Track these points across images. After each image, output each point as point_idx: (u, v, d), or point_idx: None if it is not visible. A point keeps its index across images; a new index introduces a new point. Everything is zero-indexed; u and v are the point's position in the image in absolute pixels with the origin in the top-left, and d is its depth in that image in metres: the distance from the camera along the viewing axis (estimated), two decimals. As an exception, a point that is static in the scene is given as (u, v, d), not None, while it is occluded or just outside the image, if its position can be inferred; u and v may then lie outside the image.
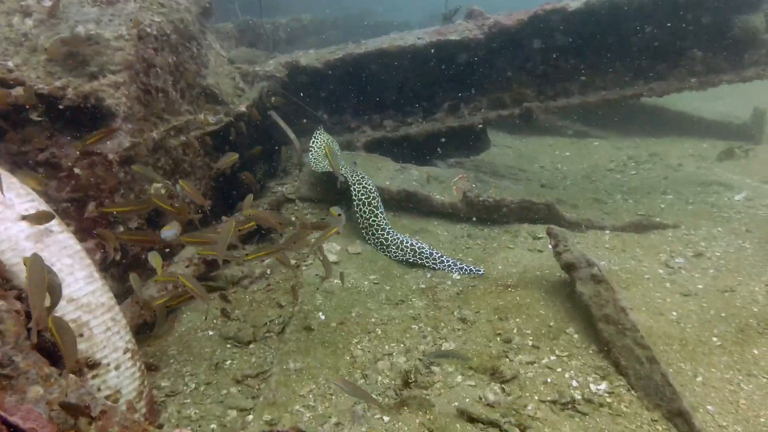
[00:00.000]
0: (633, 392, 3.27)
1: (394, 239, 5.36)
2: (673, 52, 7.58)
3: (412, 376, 3.46)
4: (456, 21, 7.73)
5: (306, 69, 7.56)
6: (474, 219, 6.17)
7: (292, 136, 7.03)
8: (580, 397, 3.26)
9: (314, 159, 6.15)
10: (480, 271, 4.94)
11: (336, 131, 7.90)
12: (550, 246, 4.55)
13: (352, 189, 5.62)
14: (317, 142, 6.41)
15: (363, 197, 5.57)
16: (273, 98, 6.39)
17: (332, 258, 5.11)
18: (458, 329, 4.12)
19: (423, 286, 4.80)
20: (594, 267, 4.03)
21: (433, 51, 7.35)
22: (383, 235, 5.41)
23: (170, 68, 5.23)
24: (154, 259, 3.59)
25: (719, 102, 11.93)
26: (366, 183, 5.68)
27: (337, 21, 15.31)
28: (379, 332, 4.12)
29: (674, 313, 4.02)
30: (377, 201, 5.61)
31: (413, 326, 4.19)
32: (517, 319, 4.15)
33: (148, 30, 4.93)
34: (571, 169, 8.75)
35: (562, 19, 7.13)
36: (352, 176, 5.74)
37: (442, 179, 6.60)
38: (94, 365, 2.83)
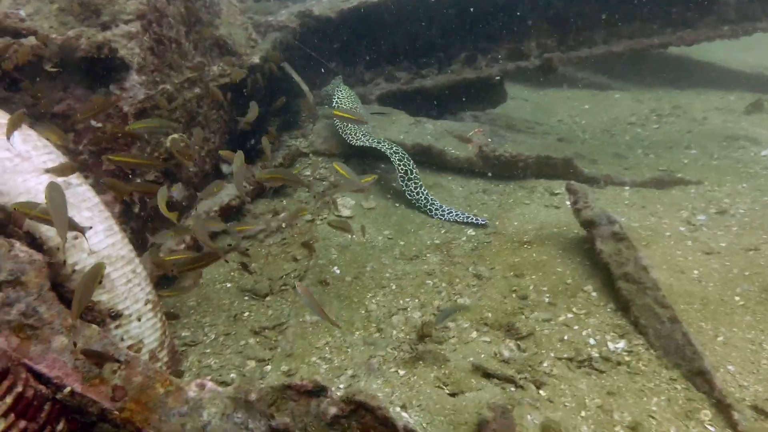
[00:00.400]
0: (652, 351, 3.26)
1: (417, 177, 5.43)
2: (704, -2, 7.22)
3: (427, 330, 3.49)
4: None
5: (319, 18, 7.31)
6: (490, 174, 6.08)
7: (305, 88, 6.89)
8: (597, 355, 3.27)
9: (344, 128, 5.92)
10: (484, 220, 4.99)
11: (349, 83, 7.73)
12: (568, 202, 4.48)
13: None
14: (341, 96, 6.27)
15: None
16: (269, 53, 6.05)
17: (346, 213, 5.09)
18: (473, 285, 4.11)
19: (437, 241, 4.78)
20: (615, 224, 3.97)
21: (451, -2, 7.07)
22: (409, 165, 5.47)
23: (183, 18, 5.08)
24: (160, 194, 3.44)
25: (748, 53, 11.42)
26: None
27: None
28: (394, 287, 4.14)
29: (696, 272, 3.97)
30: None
31: (428, 281, 4.19)
32: (533, 276, 4.13)
33: (158, -24, 4.77)
34: (590, 123, 8.53)
35: (588, -37, 6.78)
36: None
37: (458, 133, 6.47)
38: (116, 316, 2.88)
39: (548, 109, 9.42)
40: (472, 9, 7.25)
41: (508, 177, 6.03)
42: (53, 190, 2.38)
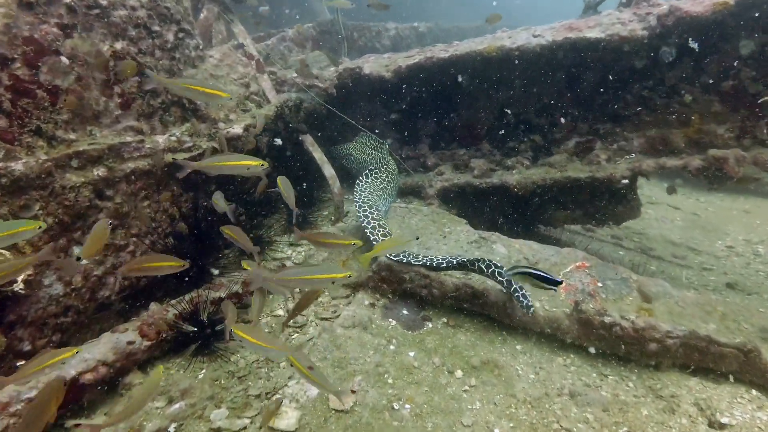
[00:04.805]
0: None
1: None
2: None
3: None
4: (603, 12, 4.92)
5: (369, 79, 5.30)
6: (592, 351, 3.38)
7: (329, 172, 4.82)
8: None
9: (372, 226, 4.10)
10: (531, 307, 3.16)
11: (405, 168, 5.53)
12: None
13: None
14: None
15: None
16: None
17: (291, 418, 2.73)
18: None
19: None
20: None
21: (556, 55, 4.63)
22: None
23: (102, 61, 3.32)
24: None
25: None
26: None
27: (463, 32, 12.56)
28: None
29: None
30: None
31: None
32: None
33: (52, -5, 3.07)
34: (784, 259, 5.34)
35: (805, 5, 3.98)
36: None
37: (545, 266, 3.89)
38: None
39: (711, 227, 6.31)
40: (588, 71, 4.74)
41: (626, 361, 3.30)
42: None
